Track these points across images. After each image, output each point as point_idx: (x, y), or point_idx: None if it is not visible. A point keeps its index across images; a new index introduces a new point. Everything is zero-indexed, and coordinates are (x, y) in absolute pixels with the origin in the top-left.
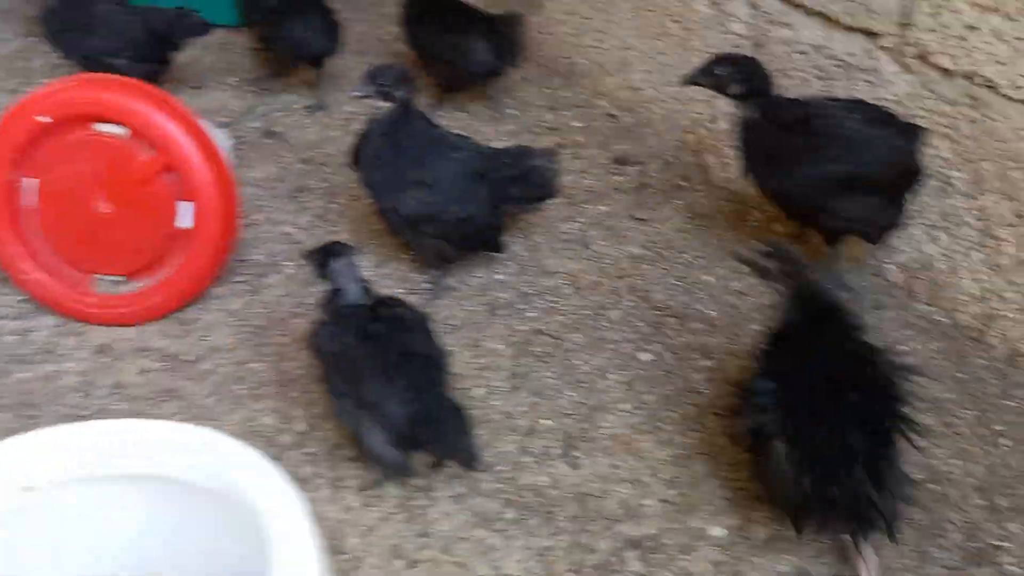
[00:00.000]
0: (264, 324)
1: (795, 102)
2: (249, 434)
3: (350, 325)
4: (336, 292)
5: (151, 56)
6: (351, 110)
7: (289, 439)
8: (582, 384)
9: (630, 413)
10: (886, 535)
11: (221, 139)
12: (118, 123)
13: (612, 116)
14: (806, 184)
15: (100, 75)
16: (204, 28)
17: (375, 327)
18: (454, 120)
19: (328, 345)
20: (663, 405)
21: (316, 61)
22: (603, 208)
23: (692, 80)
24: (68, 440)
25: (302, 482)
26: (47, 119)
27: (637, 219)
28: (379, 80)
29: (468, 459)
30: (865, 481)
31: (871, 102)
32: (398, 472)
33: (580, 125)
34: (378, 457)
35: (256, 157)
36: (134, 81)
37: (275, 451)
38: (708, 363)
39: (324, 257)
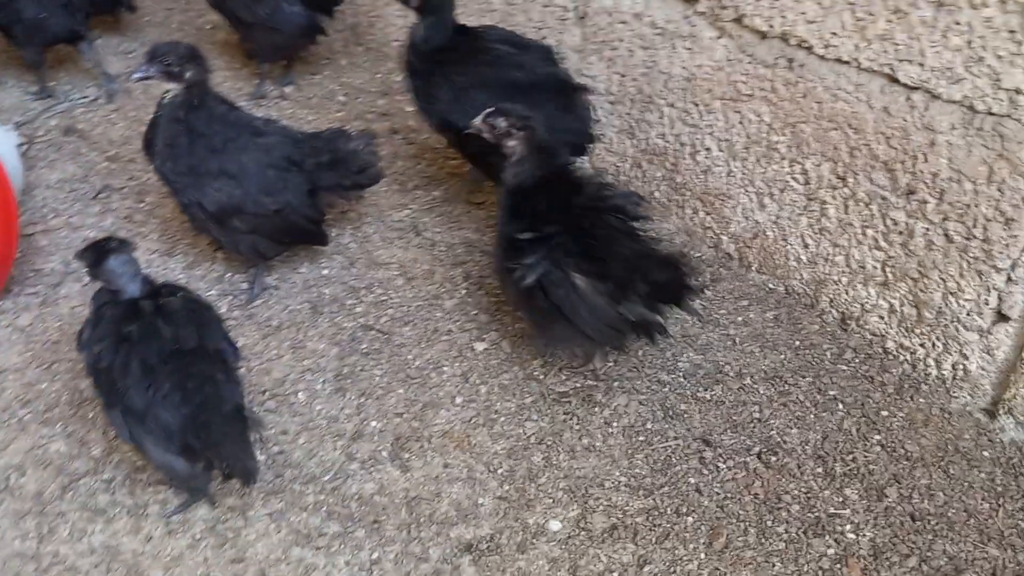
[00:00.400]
0: (57, 339)
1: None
2: (36, 463)
3: (106, 326)
4: (112, 292)
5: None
6: None
7: (83, 465)
8: (413, 380)
9: (463, 407)
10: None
11: (2, 139)
12: None
13: None
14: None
15: None
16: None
17: (130, 326)
18: (278, 110)
19: (86, 350)
20: (499, 396)
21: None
22: (437, 193)
23: None
24: None
25: (99, 512)
26: None
27: (473, 203)
28: (162, 59)
29: (244, 472)
30: (648, 292)
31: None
32: (195, 486)
33: (413, 110)
34: (169, 471)
35: (55, 157)
36: None
37: (66, 479)
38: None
39: (97, 255)
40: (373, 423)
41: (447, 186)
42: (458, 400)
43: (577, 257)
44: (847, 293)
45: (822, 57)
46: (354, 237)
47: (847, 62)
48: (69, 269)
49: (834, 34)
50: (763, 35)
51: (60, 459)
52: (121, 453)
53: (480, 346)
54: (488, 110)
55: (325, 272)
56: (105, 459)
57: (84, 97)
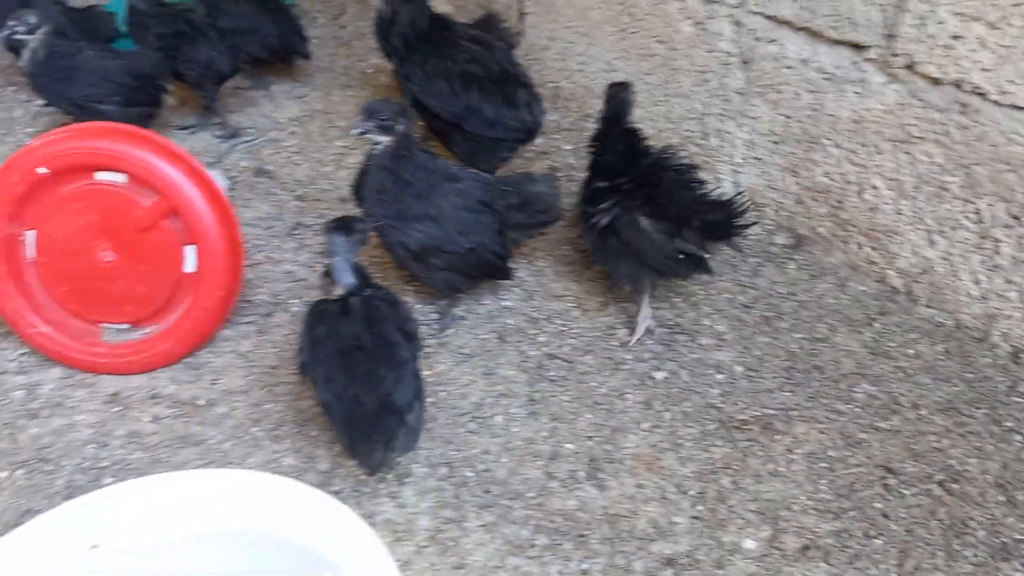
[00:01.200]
0: (275, 364)
1: None
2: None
3: (314, 321)
4: (329, 270)
5: (140, 99)
6: (343, 145)
7: (314, 479)
8: (600, 406)
9: (650, 432)
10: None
11: (219, 180)
12: (117, 171)
13: None
14: None
15: (96, 123)
16: None
17: (332, 323)
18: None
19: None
20: (682, 422)
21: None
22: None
23: None
24: (133, 497)
25: None
26: (45, 171)
27: None
28: (378, 115)
29: (367, 466)
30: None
31: None
32: (371, 468)
33: (570, 148)
34: (350, 451)
35: (250, 196)
36: (130, 128)
37: None
38: (722, 377)
39: (338, 228)
40: (568, 445)
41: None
42: (644, 425)
43: (641, 202)
44: (1020, 328)
45: (997, 103)
46: (529, 271)
47: (1023, 108)
48: (277, 300)
49: (1010, 81)
50: (936, 81)
51: (293, 472)
52: (346, 468)
53: (659, 375)
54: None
55: (507, 304)
56: (332, 472)
57: (265, 138)
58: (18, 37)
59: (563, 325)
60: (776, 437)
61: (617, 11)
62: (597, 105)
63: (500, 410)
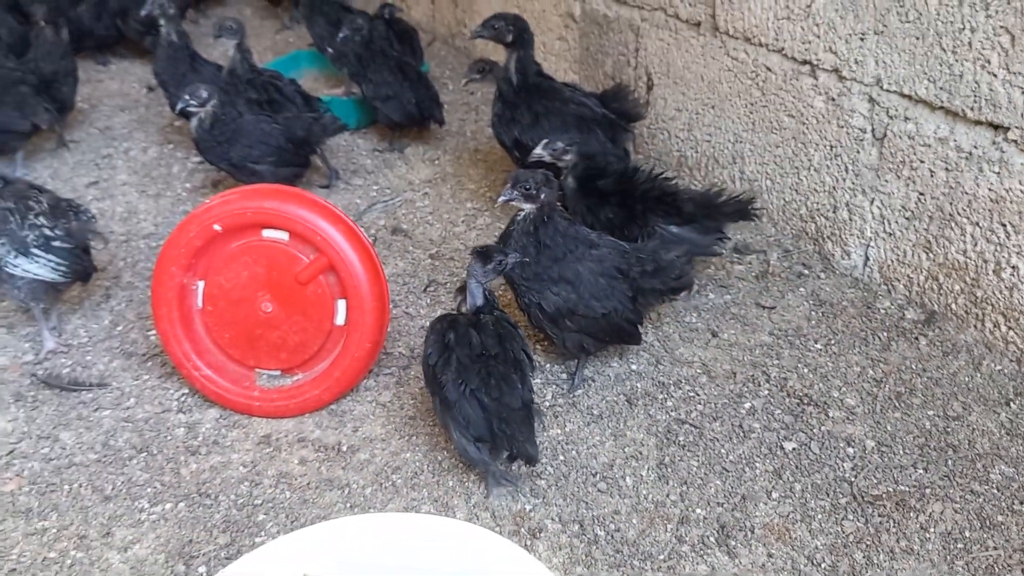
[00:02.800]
0: (413, 415)
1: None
2: None
3: (445, 328)
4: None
5: (292, 161)
6: (473, 206)
7: None
8: (729, 473)
9: (780, 502)
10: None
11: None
12: (282, 229)
13: None
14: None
15: (265, 185)
16: (339, 127)
17: (463, 332)
18: None
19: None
20: (813, 494)
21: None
22: (728, 297)
23: (476, 35)
24: (339, 533)
25: None
26: (219, 228)
27: (763, 307)
28: (523, 184)
29: (527, 456)
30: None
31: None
32: (483, 467)
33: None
34: (463, 453)
35: (387, 253)
36: (295, 189)
37: None
38: (853, 451)
39: (478, 255)
40: (697, 510)
41: (736, 290)
42: (774, 495)
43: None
44: None
45: None
46: (656, 336)
47: None
48: (413, 354)
49: None
50: None
51: None
52: (481, 521)
53: (789, 446)
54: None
55: (635, 367)
56: (469, 522)
57: (400, 199)
58: (191, 109)
59: (691, 391)
60: (910, 515)
61: (748, 85)
62: (723, 174)
63: (630, 471)
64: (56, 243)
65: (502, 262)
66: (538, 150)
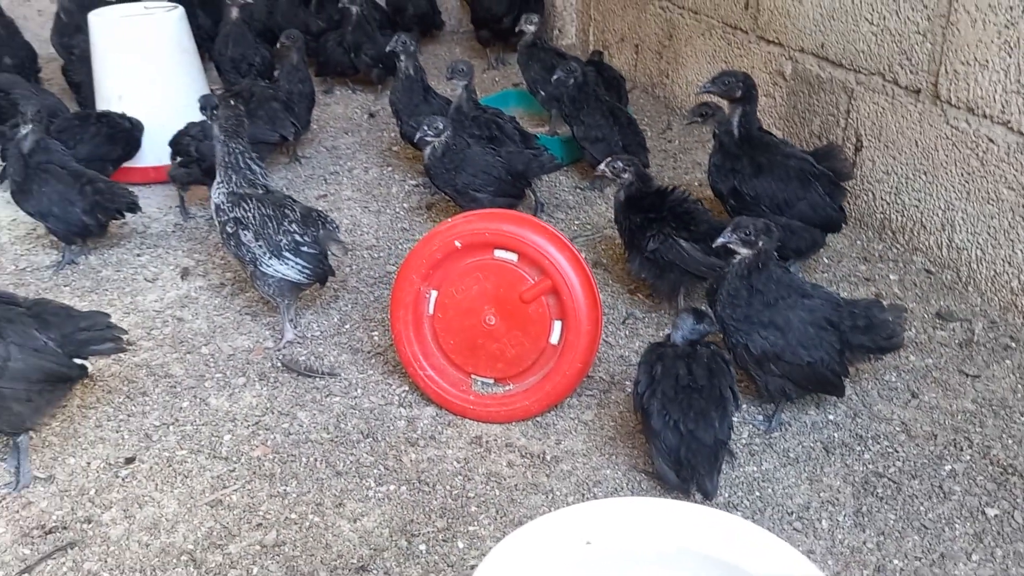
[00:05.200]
0: (613, 436)
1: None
2: None
3: (654, 360)
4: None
5: (509, 191)
6: None
7: None
8: (927, 530)
9: (980, 564)
10: None
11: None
12: (512, 250)
13: (929, 272)
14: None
15: (500, 210)
16: (555, 165)
17: (670, 365)
18: None
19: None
20: (1015, 561)
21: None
22: (929, 361)
23: (705, 90)
24: (616, 510)
25: None
26: (459, 244)
27: (966, 374)
28: (743, 230)
29: (704, 491)
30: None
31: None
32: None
33: (896, 278)
34: (662, 477)
35: None
36: (527, 216)
37: None
38: None
39: (689, 311)
40: (895, 561)
41: (938, 355)
42: (974, 557)
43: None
44: None
45: None
46: (854, 390)
47: None
48: (613, 380)
49: None
50: None
51: None
52: None
53: (991, 512)
54: (608, 160)
55: (832, 418)
56: None
57: (600, 235)
58: (428, 139)
59: (889, 447)
60: None
61: (966, 155)
62: (930, 240)
63: (826, 515)
64: (304, 248)
65: (711, 327)
66: (601, 166)
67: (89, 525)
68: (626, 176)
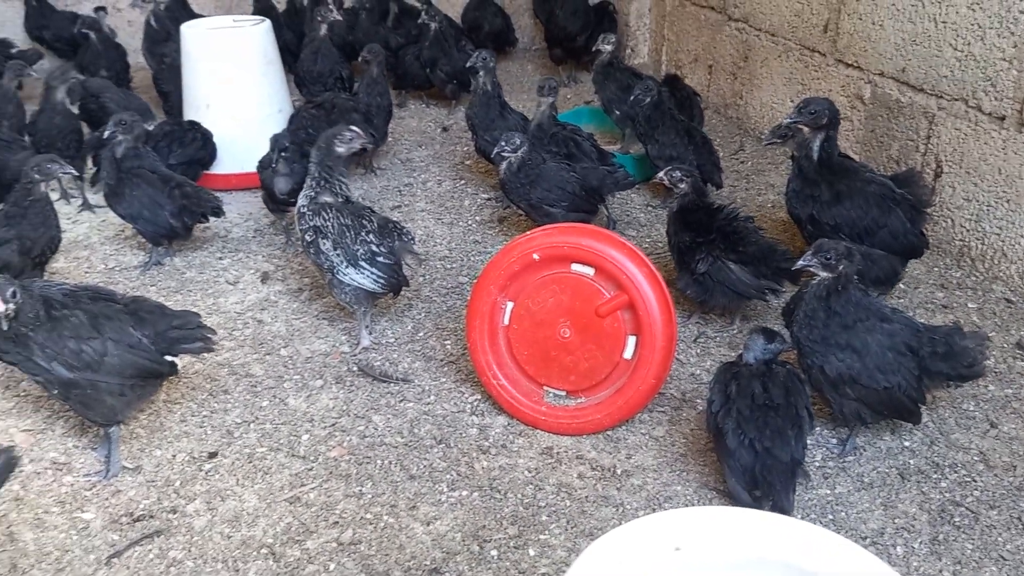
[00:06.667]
0: (684, 452)
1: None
2: None
3: (728, 379)
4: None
5: (582, 207)
6: None
7: None
8: (1007, 561)
9: None
10: None
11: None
12: (589, 265)
13: (1010, 302)
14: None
15: (579, 225)
16: (630, 183)
17: (745, 384)
18: None
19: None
20: None
21: None
22: (1009, 391)
23: (793, 121)
24: (704, 517)
25: None
26: (537, 257)
27: None
28: (824, 253)
29: (780, 510)
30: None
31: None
32: (786, 510)
33: (975, 306)
34: (735, 496)
35: None
36: (606, 231)
37: None
38: None
39: (760, 332)
40: None
41: (1018, 385)
42: None
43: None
44: None
45: None
46: (931, 417)
47: None
48: (684, 398)
49: None
50: None
51: None
52: None
53: None
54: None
55: (907, 444)
56: None
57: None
58: (505, 155)
59: (967, 476)
60: None
61: None
62: (1011, 269)
63: (901, 541)
64: (380, 259)
65: (783, 346)
66: (660, 174)
67: (174, 515)
68: (683, 186)
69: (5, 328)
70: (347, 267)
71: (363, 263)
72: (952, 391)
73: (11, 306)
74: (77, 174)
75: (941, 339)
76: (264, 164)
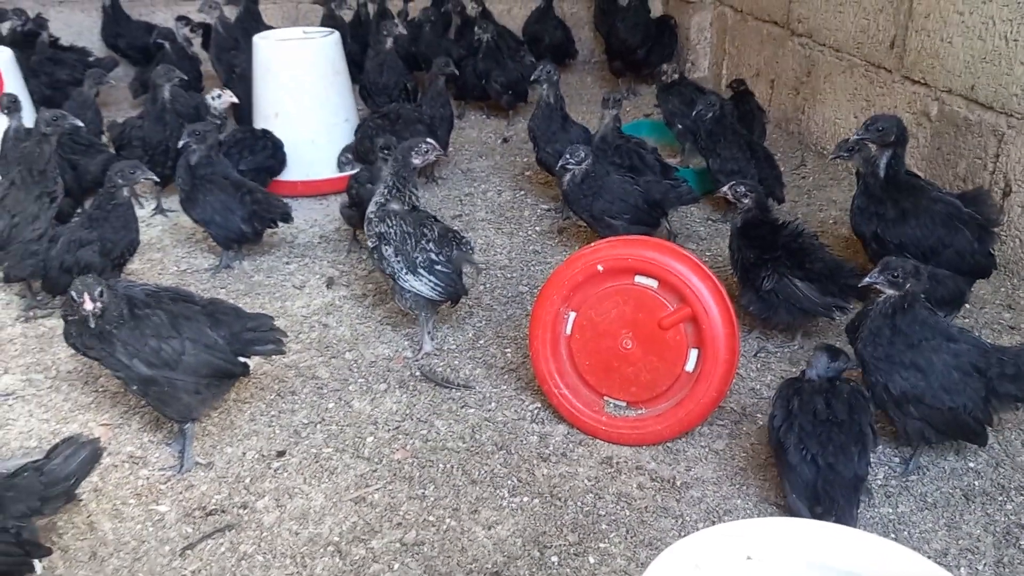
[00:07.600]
0: (744, 466)
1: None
2: None
3: (790, 394)
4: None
5: (645, 220)
6: None
7: None
8: None
9: None
10: None
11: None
12: (653, 277)
13: None
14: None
15: (643, 237)
16: (693, 197)
17: (807, 400)
18: None
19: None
20: None
21: None
22: None
23: (861, 138)
24: (773, 528)
25: None
26: (601, 268)
27: None
28: (891, 271)
29: (843, 519)
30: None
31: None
32: (849, 523)
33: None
34: (795, 512)
35: None
36: (670, 243)
37: None
38: None
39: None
40: None
41: None
42: None
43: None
44: None
45: None
46: (996, 439)
47: None
48: (744, 412)
49: None
50: None
51: None
52: None
53: None
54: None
55: (972, 465)
56: None
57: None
58: (569, 167)
59: None
60: None
61: None
62: None
63: (965, 563)
64: (438, 267)
65: (846, 364)
66: (724, 188)
67: (244, 510)
68: (746, 201)
69: (92, 326)
70: (407, 273)
71: (422, 270)
72: (1020, 413)
73: (98, 305)
74: (157, 180)
75: (1010, 360)
76: (362, 181)
